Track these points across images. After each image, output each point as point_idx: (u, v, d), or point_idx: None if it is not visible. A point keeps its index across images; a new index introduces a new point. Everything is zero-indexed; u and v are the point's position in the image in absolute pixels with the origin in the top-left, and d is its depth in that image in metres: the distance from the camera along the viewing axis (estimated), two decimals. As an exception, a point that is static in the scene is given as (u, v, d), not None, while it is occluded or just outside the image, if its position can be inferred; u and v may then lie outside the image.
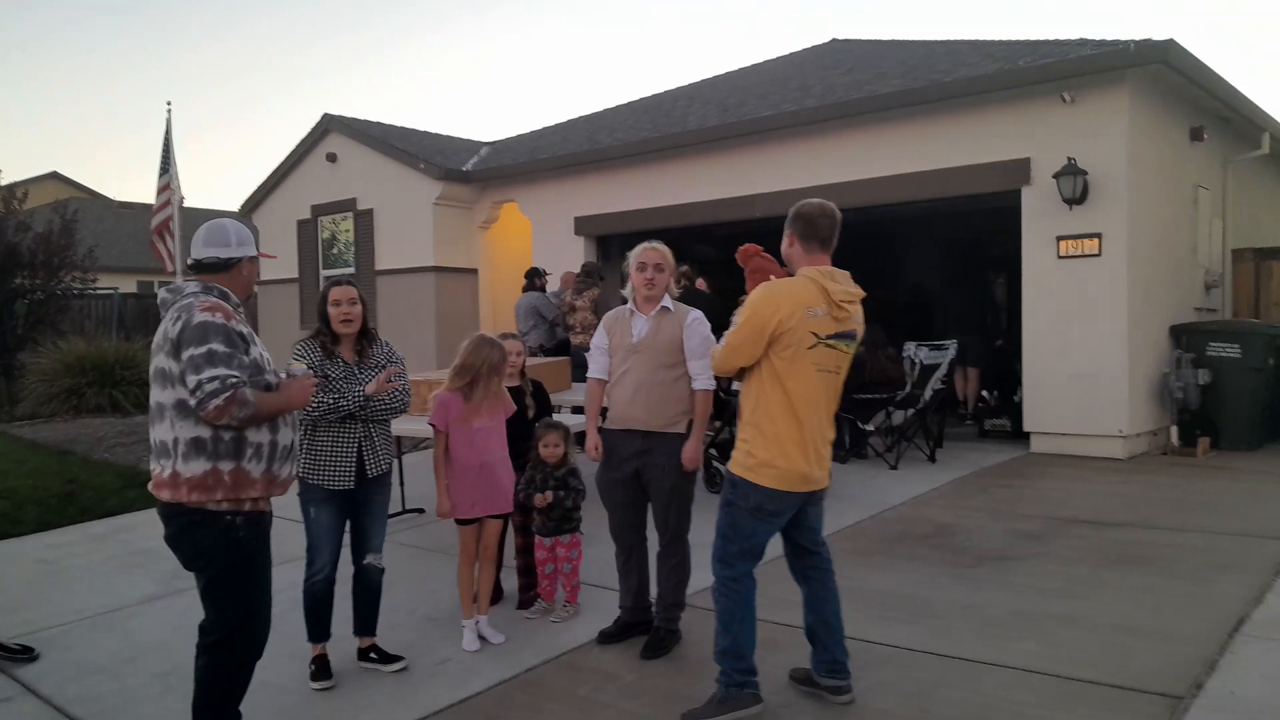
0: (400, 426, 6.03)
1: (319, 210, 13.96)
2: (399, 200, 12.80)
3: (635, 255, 3.99)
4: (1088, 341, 8.14)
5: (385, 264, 13.08)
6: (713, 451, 6.96)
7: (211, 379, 2.65)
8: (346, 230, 13.75)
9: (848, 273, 3.37)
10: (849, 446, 8.26)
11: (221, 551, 2.82)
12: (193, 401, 2.68)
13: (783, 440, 3.19)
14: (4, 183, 16.11)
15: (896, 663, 3.80)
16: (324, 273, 13.98)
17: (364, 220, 13.32)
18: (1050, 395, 8.34)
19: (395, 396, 3.86)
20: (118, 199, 31.57)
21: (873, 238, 12.55)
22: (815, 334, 3.17)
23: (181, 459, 2.74)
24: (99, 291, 17.31)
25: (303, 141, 14.03)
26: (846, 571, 4.88)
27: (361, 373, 3.86)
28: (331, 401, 3.71)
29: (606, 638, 4.07)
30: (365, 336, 3.92)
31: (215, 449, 2.75)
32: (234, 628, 2.89)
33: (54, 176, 32.11)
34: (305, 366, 3.08)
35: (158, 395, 2.80)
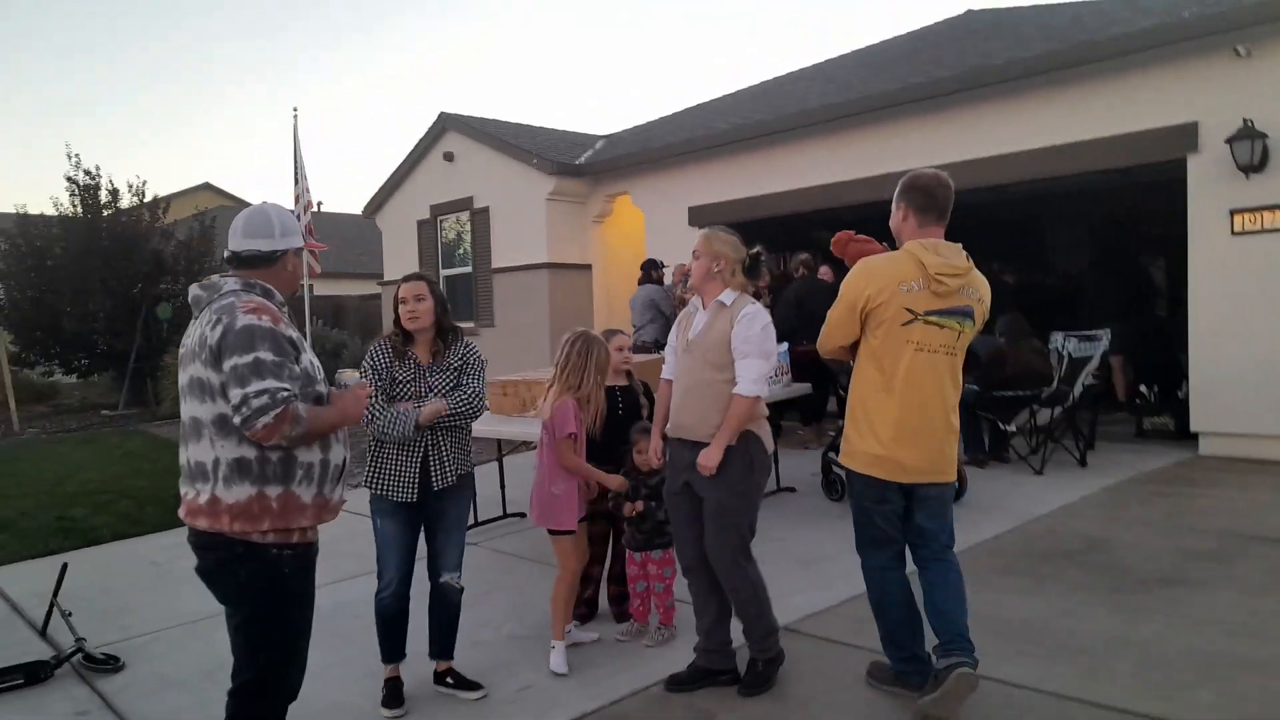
0: (501, 428, 5.82)
1: (438, 210, 14.08)
2: (513, 197, 12.73)
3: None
4: (1271, 328, 7.15)
5: (500, 262, 13.05)
6: (832, 455, 6.45)
7: (260, 393, 2.31)
8: (464, 229, 13.82)
9: (958, 245, 3.15)
10: (989, 449, 7.55)
11: (264, 588, 2.48)
12: (237, 419, 2.34)
13: (875, 423, 3.13)
14: (159, 195, 17.12)
15: (1036, 711, 3.24)
16: (443, 273, 14.10)
17: (480, 219, 13.34)
18: (1223, 390, 7.38)
19: (462, 405, 3.56)
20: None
21: (1013, 218, 11.63)
22: (910, 310, 3.06)
23: (223, 483, 2.41)
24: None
25: (421, 141, 14.18)
26: (981, 593, 4.32)
27: (433, 375, 3.59)
28: (379, 430, 3.47)
29: (676, 684, 3.57)
30: (443, 335, 3.65)
31: (262, 471, 2.41)
32: (269, 670, 2.56)
33: (206, 187, 34.08)
34: (358, 375, 2.72)
35: (193, 409, 2.46)
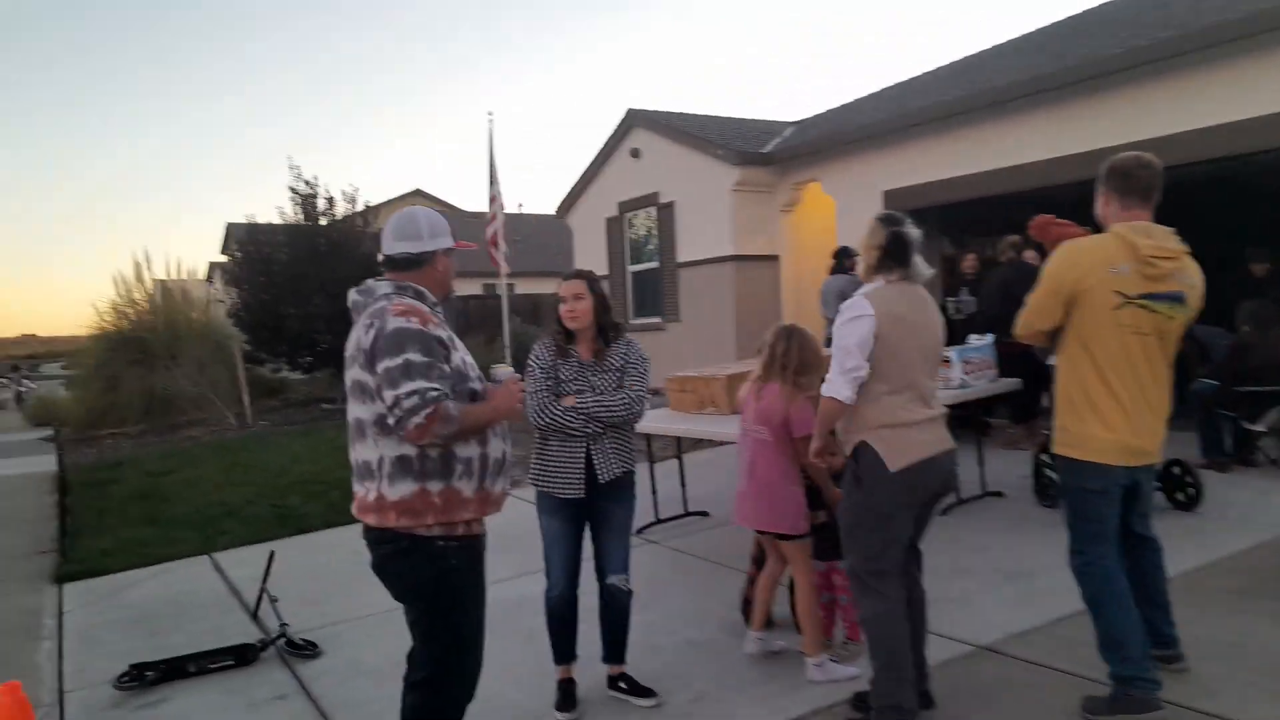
0: (679, 425, 5.73)
1: (625, 207, 14.23)
2: (698, 190, 12.65)
3: None
4: None
5: (686, 256, 13.01)
6: (1044, 457, 5.91)
7: (410, 394, 2.36)
8: (651, 225, 13.89)
9: (1169, 229, 3.01)
10: (1231, 451, 6.71)
11: (432, 581, 2.55)
12: (391, 420, 2.41)
13: (1099, 409, 3.05)
14: (371, 203, 18.35)
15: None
16: (630, 269, 14.25)
17: (666, 213, 13.36)
18: None
19: (619, 409, 3.48)
20: (467, 209, 35.07)
21: (1263, 191, 10.32)
22: (1121, 293, 2.99)
23: (387, 480, 2.49)
24: (444, 295, 19.16)
25: (609, 139, 14.38)
26: (1223, 619, 3.80)
27: (595, 374, 3.53)
28: (532, 418, 3.47)
29: (861, 706, 3.30)
30: (604, 334, 3.58)
31: (422, 468, 2.48)
32: (443, 664, 2.63)
33: (417, 193, 36.32)
34: (510, 369, 2.74)
35: (356, 411, 2.55)
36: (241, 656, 4.34)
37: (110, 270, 46.01)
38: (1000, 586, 4.53)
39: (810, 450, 3.42)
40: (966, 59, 12.54)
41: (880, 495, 3.07)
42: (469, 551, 2.60)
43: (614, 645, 3.66)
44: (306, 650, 4.40)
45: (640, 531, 5.92)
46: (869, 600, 3.13)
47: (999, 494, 6.32)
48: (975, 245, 10.81)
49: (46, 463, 11.44)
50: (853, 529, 3.17)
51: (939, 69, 12.80)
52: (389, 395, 2.40)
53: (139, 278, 17.48)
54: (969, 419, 6.29)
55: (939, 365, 3.26)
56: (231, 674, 4.24)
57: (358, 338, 2.53)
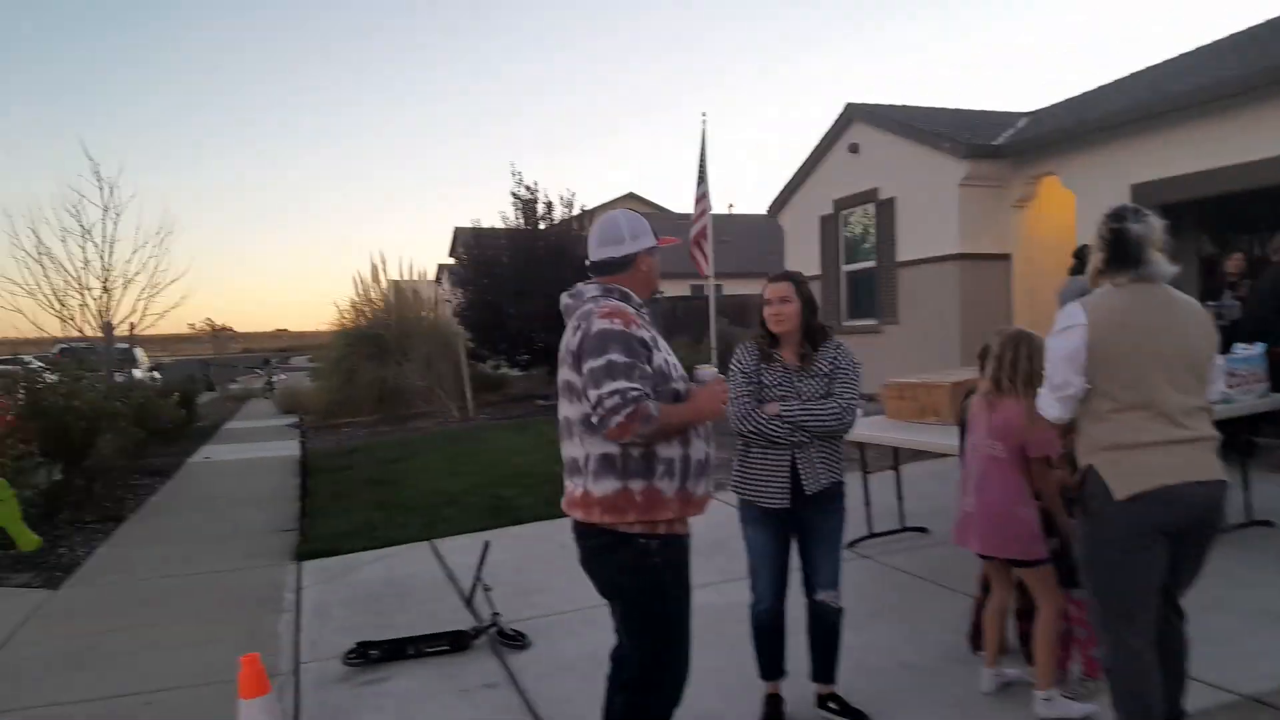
0: (896, 435, 5.45)
1: (841, 204, 13.84)
2: (921, 186, 12.09)
3: None
4: None
5: (906, 255, 12.46)
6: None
7: (611, 393, 2.42)
8: (869, 222, 13.43)
9: None
10: None
11: (635, 577, 2.59)
12: (594, 419, 2.48)
13: None
14: (586, 206, 18.95)
15: None
16: (845, 269, 13.85)
17: (885, 210, 12.86)
18: None
19: (829, 419, 3.30)
20: (677, 211, 35.55)
21: None
22: None
23: (592, 477, 2.56)
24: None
25: (826, 135, 14.04)
26: None
27: (801, 379, 3.37)
28: (734, 424, 3.37)
29: None
30: (810, 337, 3.42)
31: (624, 467, 2.53)
32: (650, 664, 2.64)
33: (630, 197, 37.24)
34: (714, 370, 2.70)
35: (565, 410, 2.65)
36: (456, 642, 4.51)
37: (351, 271, 50.25)
38: (1268, 629, 3.97)
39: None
40: (1233, 36, 11.22)
41: (1110, 527, 2.72)
42: (672, 549, 2.61)
43: (824, 664, 3.49)
44: (516, 641, 4.51)
45: (853, 545, 5.67)
46: (1108, 645, 2.80)
47: (1268, 523, 5.58)
48: (1241, 243, 9.67)
49: (292, 448, 12.58)
50: (1087, 563, 2.85)
51: (1199, 49, 11.55)
52: (592, 394, 2.47)
53: (375, 279, 18.94)
54: (1233, 438, 5.57)
55: (1199, 377, 2.75)
56: (446, 658, 4.42)
57: (567, 339, 2.63)
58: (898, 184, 12.57)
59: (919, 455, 6.55)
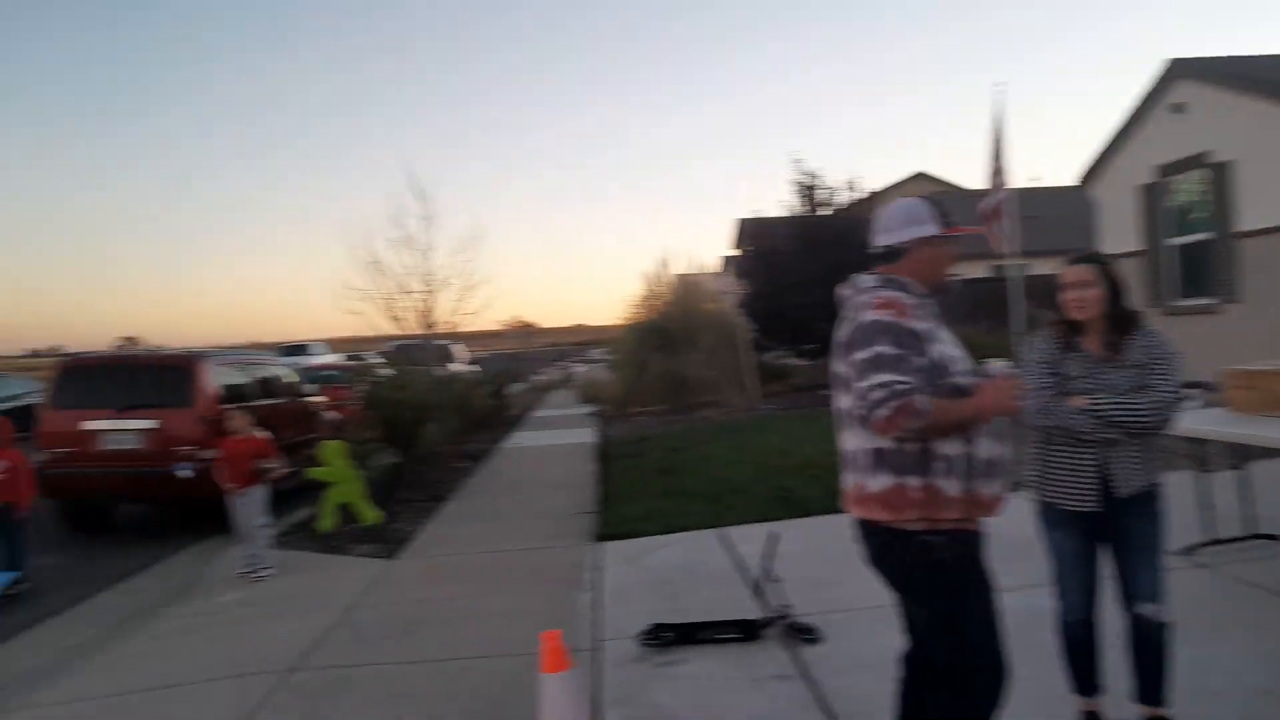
0: (1242, 430, 4.79)
1: (1165, 170, 12.39)
2: (1268, 145, 10.53)
3: None
4: None
5: (1250, 224, 10.92)
6: None
7: (877, 386, 2.35)
8: (1199, 189, 11.92)
9: None
10: None
11: (923, 575, 2.49)
12: (859, 412, 2.41)
13: None
14: (873, 189, 18.45)
15: None
16: (1171, 241, 12.40)
17: (1220, 175, 11.34)
18: None
19: (1144, 414, 2.94)
20: (973, 188, 33.60)
21: None
22: None
23: (867, 472, 2.50)
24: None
25: (1144, 97, 12.61)
26: None
27: (1109, 372, 3.03)
28: (1033, 420, 3.08)
29: None
30: (1119, 325, 3.07)
31: (899, 462, 2.44)
32: (955, 664, 2.52)
33: (920, 177, 35.69)
34: (1005, 364, 2.51)
35: (839, 402, 2.59)
36: (747, 631, 4.55)
37: (641, 267, 52.50)
38: None
39: None
40: None
41: None
42: (960, 545, 2.48)
43: (1149, 684, 3.13)
44: (807, 635, 4.47)
45: (1189, 552, 5.06)
46: None
47: None
48: None
49: (589, 435, 13.33)
50: None
51: None
52: (858, 387, 2.41)
53: (662, 273, 19.60)
54: None
55: None
56: (736, 647, 4.47)
57: (840, 330, 2.59)
58: (1236, 145, 11.04)
59: (1270, 453, 5.71)
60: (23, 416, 13.28)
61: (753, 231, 19.86)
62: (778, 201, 18.48)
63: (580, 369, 31.65)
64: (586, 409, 18.32)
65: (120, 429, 8.36)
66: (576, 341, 59.96)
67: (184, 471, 8.15)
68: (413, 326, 12.62)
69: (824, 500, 7.41)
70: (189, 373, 8.61)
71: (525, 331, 54.91)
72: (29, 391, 18.93)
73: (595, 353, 38.97)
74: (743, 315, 18.72)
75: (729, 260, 29.97)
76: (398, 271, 12.46)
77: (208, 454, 7.96)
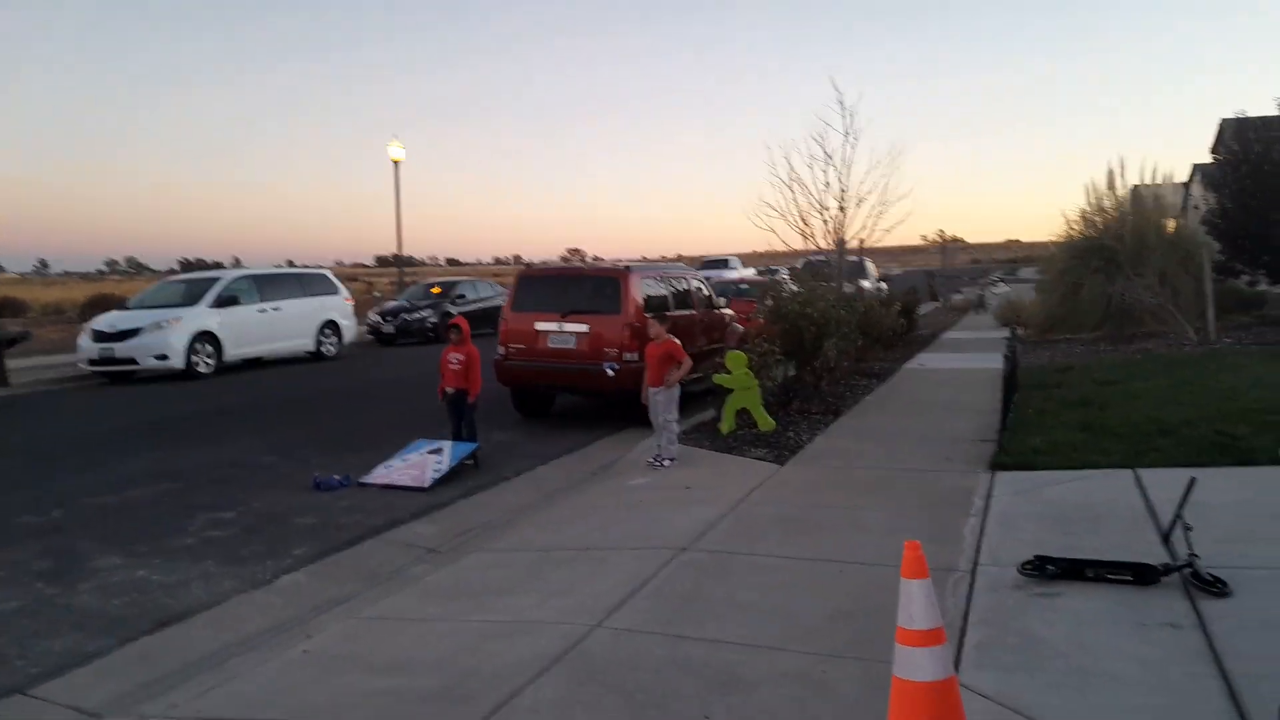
0: None
1: None
2: None
3: None
4: None
5: None
6: None
7: None
8: None
9: None
10: None
11: None
12: None
13: None
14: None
15: None
16: None
17: None
18: None
19: None
20: None
21: None
22: None
23: None
24: None
25: None
26: None
27: None
28: None
29: None
30: None
31: None
32: None
33: None
34: None
35: None
36: (1140, 575, 4.31)
37: (1086, 178, 47.52)
38: None
39: None
40: None
41: None
42: None
43: None
44: (1213, 587, 4.12)
45: None
46: None
47: None
48: None
49: (1004, 361, 12.74)
50: None
51: None
52: None
53: (1110, 185, 17.67)
54: None
55: None
56: (1125, 589, 4.26)
57: None
58: None
59: None
60: (492, 316, 15.98)
61: (1237, 134, 17.13)
62: (1276, 99, 15.43)
63: (1004, 289, 29.88)
64: (1005, 332, 17.43)
65: (562, 330, 9.74)
66: (1005, 259, 56.37)
67: (610, 370, 9.31)
68: (823, 243, 12.86)
69: (1275, 451, 6.55)
70: (619, 285, 9.72)
71: (949, 247, 52.73)
72: (495, 295, 22.45)
73: (1025, 272, 36.47)
74: (1207, 233, 16.46)
75: (1198, 169, 26.16)
76: (813, 188, 12.73)
77: (630, 356, 9.03)
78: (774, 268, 28.61)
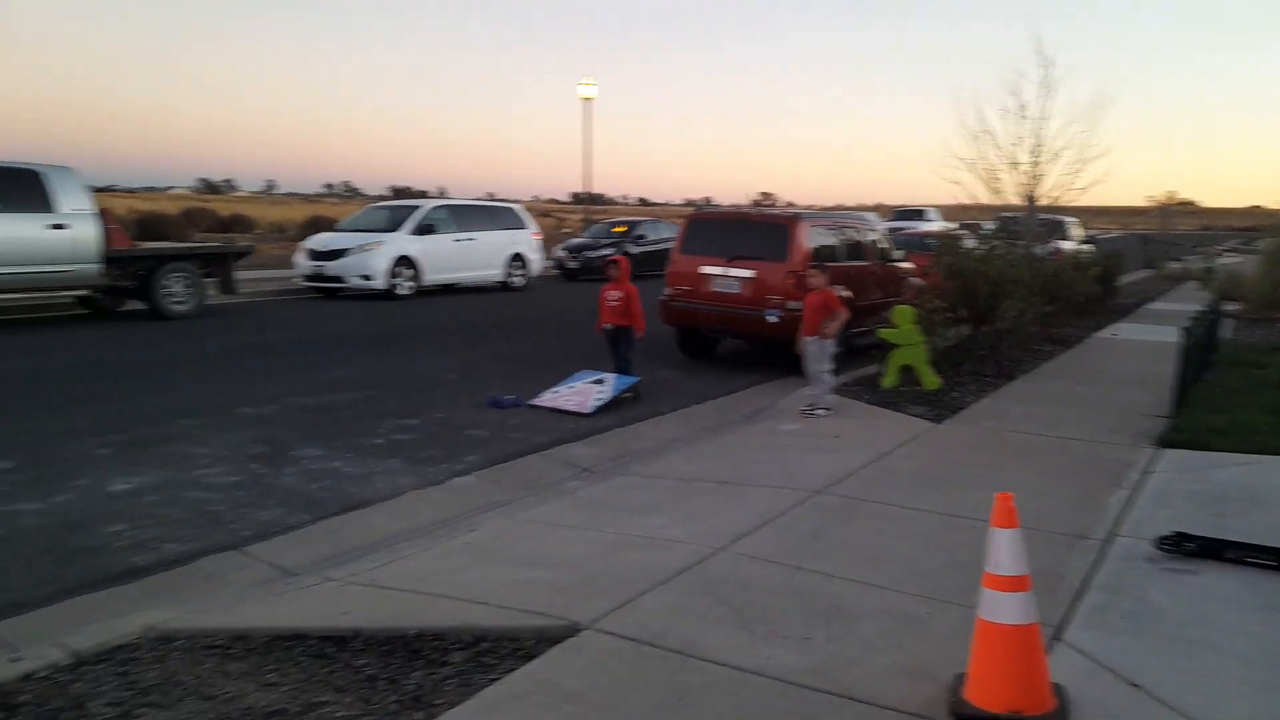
0: None
1: None
2: None
3: None
4: None
5: None
6: None
7: None
8: None
9: None
10: None
11: None
12: None
13: None
14: None
15: None
16: None
17: None
18: None
19: None
20: None
21: None
22: None
23: None
24: None
25: None
26: None
27: None
28: None
29: None
30: None
31: None
32: None
33: None
34: None
35: None
36: (1283, 560, 4.26)
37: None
38: None
39: None
40: None
41: None
42: None
43: None
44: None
45: None
46: None
47: None
48: None
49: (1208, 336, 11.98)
50: None
51: None
52: None
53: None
54: None
55: None
56: (1263, 574, 4.23)
57: None
58: None
59: None
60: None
61: None
62: None
63: (1230, 259, 27.56)
64: (1218, 307, 16.28)
65: (727, 275, 10.03)
66: (1244, 227, 51.51)
67: (771, 317, 9.55)
68: (1012, 199, 12.45)
69: None
70: (786, 232, 9.89)
71: (1177, 210, 48.81)
72: (675, 236, 22.86)
73: (1261, 243, 33.42)
74: None
75: None
76: (1005, 141, 12.31)
77: (792, 304, 9.23)
78: (978, 222, 27.61)
